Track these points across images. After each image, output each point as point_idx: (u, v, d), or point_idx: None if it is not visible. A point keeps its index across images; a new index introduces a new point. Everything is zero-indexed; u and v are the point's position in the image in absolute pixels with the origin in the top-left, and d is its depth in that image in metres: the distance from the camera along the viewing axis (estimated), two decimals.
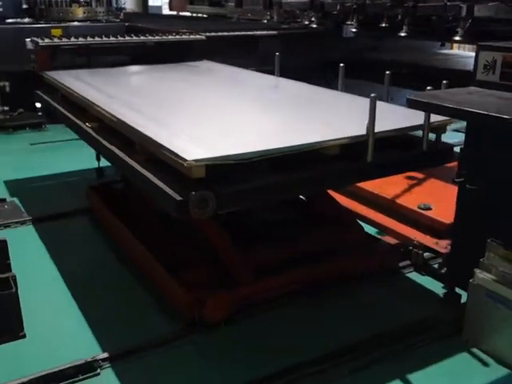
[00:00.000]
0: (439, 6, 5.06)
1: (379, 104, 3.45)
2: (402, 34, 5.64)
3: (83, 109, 3.76)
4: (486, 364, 3.01)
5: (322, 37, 7.18)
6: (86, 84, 4.18)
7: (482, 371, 2.96)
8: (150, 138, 2.74)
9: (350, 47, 7.31)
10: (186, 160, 2.38)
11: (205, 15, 10.71)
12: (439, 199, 4.10)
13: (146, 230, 3.90)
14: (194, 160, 2.37)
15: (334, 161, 2.80)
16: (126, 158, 2.96)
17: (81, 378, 2.86)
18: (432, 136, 3.14)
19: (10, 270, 2.43)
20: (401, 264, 3.92)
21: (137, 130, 2.91)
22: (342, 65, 3.90)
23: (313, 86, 4.32)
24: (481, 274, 3.07)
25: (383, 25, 5.84)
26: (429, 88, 3.02)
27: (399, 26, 5.62)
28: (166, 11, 13.62)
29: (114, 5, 8.66)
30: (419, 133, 3.11)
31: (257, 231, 3.80)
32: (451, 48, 7.88)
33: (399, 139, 3.10)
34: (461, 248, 3.38)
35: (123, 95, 3.83)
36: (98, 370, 2.90)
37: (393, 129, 2.97)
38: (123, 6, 9.00)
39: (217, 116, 3.33)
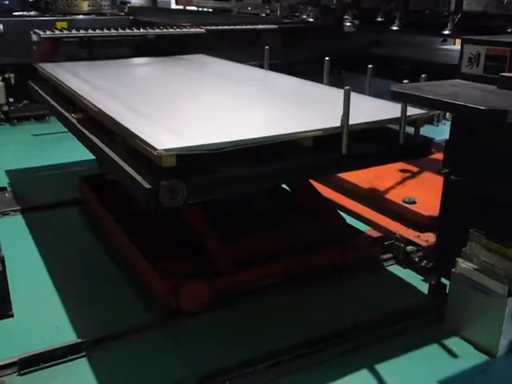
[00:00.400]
0: (431, 0, 5.09)
1: (361, 97, 3.46)
2: (394, 28, 5.68)
3: (70, 100, 3.80)
4: (466, 351, 3.05)
5: (324, 31, 7.18)
6: (74, 75, 4.22)
7: (461, 358, 3.00)
8: (126, 128, 2.77)
9: (352, 42, 7.33)
10: (156, 149, 2.41)
11: (210, 9, 10.77)
12: (427, 193, 4.15)
13: (130, 220, 3.94)
14: (163, 149, 2.39)
15: (307, 152, 2.81)
16: (104, 147, 2.99)
17: (70, 358, 2.94)
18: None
19: (0, 251, 2.52)
20: (384, 257, 3.94)
21: (114, 119, 2.95)
22: (327, 59, 3.90)
23: (298, 79, 4.33)
24: (463, 264, 3.13)
25: (379, 19, 5.88)
26: (405, 81, 3.04)
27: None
28: (174, 6, 13.67)
29: None
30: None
31: (240, 221, 3.83)
32: (454, 43, 7.86)
33: (380, 132, 3.11)
34: (445, 238, 3.43)
35: (109, 86, 3.87)
36: (84, 352, 2.98)
37: (367, 121, 2.97)
38: None
39: (197, 107, 3.35)
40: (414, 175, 4.79)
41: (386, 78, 5.44)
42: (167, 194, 2.38)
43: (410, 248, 3.79)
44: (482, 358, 3.01)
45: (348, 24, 6.14)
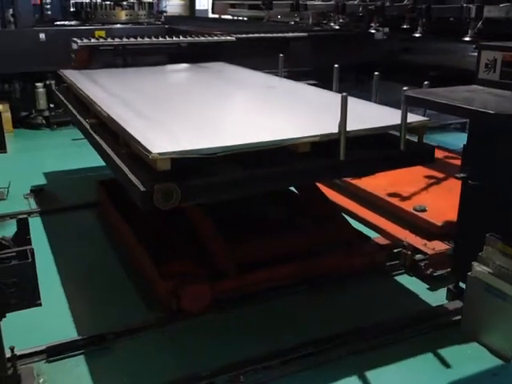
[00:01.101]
0: (454, 7, 5.10)
1: (366, 104, 3.48)
2: (417, 35, 5.71)
3: (85, 106, 3.92)
4: (480, 355, 3.05)
5: (354, 39, 7.26)
6: (92, 82, 4.35)
7: (475, 362, 3.01)
8: (128, 132, 2.85)
9: (382, 49, 7.37)
10: (151, 153, 2.47)
11: (245, 18, 10.98)
12: (441, 200, 4.14)
13: (139, 222, 3.98)
14: (158, 153, 2.46)
15: (305, 158, 2.81)
16: (108, 150, 3.10)
17: (93, 348, 3.10)
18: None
19: (30, 244, 2.70)
20: (393, 264, 3.91)
21: (119, 124, 3.03)
22: (336, 66, 3.85)
23: (310, 87, 4.30)
24: (478, 268, 3.14)
25: (405, 26, 5.92)
26: (405, 88, 3.02)
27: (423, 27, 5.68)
28: (211, 15, 13.99)
29: (156, 8, 9.00)
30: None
31: (247, 224, 3.86)
32: None
33: (385, 138, 3.10)
34: (463, 242, 3.44)
35: (123, 93, 3.96)
36: (106, 344, 3.13)
37: (365, 128, 2.96)
38: (164, 9, 9.34)
39: (203, 112, 3.40)
40: (432, 182, 4.79)
41: (416, 86, 5.47)
42: (161, 196, 2.45)
43: (419, 256, 3.77)
44: (495, 361, 3.00)
45: (373, 31, 6.19)
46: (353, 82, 7.41)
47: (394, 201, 4.28)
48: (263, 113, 3.52)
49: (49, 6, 8.76)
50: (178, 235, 3.89)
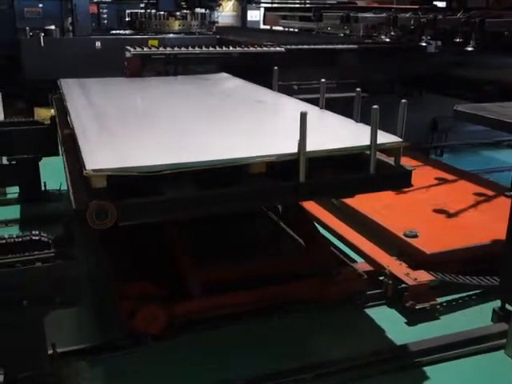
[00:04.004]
0: (508, 21, 4.94)
1: (347, 122, 3.29)
2: (469, 49, 5.57)
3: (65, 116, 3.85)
4: None
5: (405, 52, 7.15)
6: (82, 91, 4.30)
7: None
8: (78, 145, 2.78)
9: (434, 62, 7.24)
10: (85, 169, 2.38)
11: (295, 29, 11.04)
12: (439, 224, 3.97)
13: (119, 238, 3.77)
14: (92, 169, 2.37)
15: (261, 178, 2.64)
16: (65, 163, 3.06)
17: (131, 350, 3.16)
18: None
19: (74, 244, 2.78)
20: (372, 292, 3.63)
21: (76, 137, 2.95)
22: (323, 80, 3.64)
23: (300, 102, 3.98)
24: None
25: (457, 40, 5.79)
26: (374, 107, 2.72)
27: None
28: (262, 26, 14.19)
29: (208, 19, 9.16)
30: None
31: (222, 245, 3.73)
32: None
33: (362, 160, 2.86)
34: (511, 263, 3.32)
35: (103, 104, 3.87)
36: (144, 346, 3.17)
37: (328, 149, 2.75)
38: (216, 19, 9.50)
39: (170, 128, 3.24)
40: (489, 199, 4.65)
41: (470, 101, 5.33)
42: (95, 215, 2.35)
43: (401, 286, 3.51)
44: None
45: (425, 44, 6.10)
46: (405, 95, 7.30)
47: (384, 223, 4.03)
48: (234, 129, 3.29)
49: (105, 16, 9.07)
50: (152, 253, 3.73)
